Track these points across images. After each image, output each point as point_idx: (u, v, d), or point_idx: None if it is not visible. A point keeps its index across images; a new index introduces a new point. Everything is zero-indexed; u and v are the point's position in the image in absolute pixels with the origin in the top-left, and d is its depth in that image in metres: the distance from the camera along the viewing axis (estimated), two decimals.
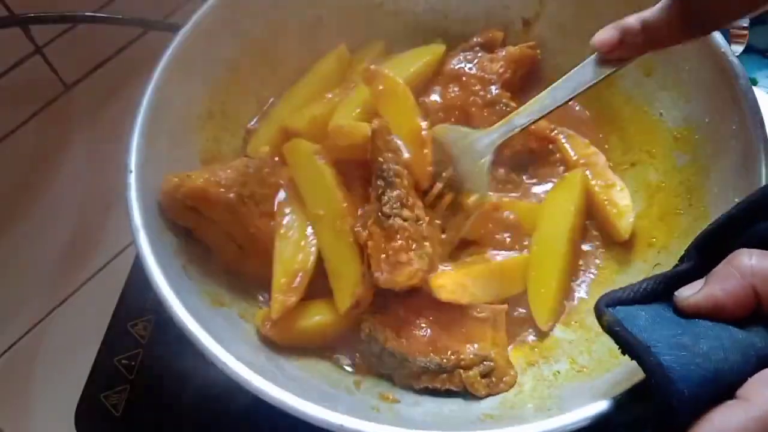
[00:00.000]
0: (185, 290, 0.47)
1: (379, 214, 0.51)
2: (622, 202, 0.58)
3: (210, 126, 0.60)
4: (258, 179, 0.56)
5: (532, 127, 0.61)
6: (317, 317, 0.53)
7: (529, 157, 0.64)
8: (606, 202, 0.58)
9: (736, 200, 0.48)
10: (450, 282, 0.53)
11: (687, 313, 0.36)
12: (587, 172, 0.61)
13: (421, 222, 0.53)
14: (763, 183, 0.47)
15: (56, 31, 0.72)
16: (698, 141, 0.54)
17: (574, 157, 0.62)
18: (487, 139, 0.55)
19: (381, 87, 0.57)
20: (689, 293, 0.36)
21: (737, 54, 0.53)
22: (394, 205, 0.51)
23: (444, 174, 0.56)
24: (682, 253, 0.39)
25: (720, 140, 0.52)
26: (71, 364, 0.67)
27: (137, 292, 0.67)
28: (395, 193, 0.52)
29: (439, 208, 0.57)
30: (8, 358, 0.75)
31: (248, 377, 0.41)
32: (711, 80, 0.53)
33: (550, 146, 0.64)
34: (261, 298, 0.57)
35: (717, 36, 0.52)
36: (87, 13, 0.70)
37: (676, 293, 0.37)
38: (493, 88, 0.62)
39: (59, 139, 0.79)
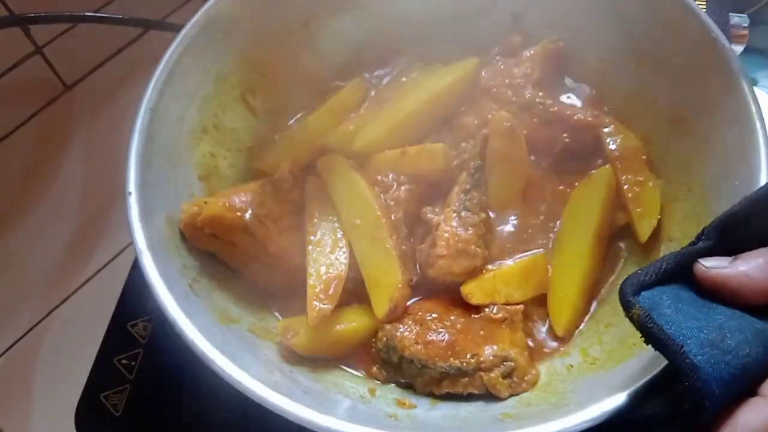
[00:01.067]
0: (194, 310, 0.46)
1: (462, 205, 0.54)
2: (649, 202, 0.55)
3: (204, 142, 0.59)
4: (274, 197, 0.56)
5: (578, 117, 0.60)
6: (352, 324, 0.53)
7: (582, 149, 0.61)
8: (631, 201, 0.56)
9: (737, 183, 0.48)
10: (478, 288, 0.54)
11: (705, 286, 0.36)
12: (618, 165, 0.58)
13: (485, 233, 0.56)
14: (763, 166, 0.46)
15: (56, 31, 0.72)
16: (695, 125, 0.54)
17: (612, 149, 0.59)
18: None
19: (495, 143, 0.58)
20: (713, 264, 0.36)
21: (737, 54, 0.53)
22: (475, 204, 0.55)
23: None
24: (685, 239, 0.39)
25: (717, 123, 0.51)
26: (71, 364, 0.67)
27: (137, 292, 0.66)
28: (479, 195, 0.55)
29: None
30: (8, 358, 0.75)
31: (265, 395, 0.41)
32: (703, 65, 0.53)
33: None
34: (276, 312, 0.57)
35: (708, 20, 0.52)
36: (87, 13, 0.70)
37: (699, 260, 0.37)
38: (525, 91, 0.61)
39: (59, 139, 0.79)
